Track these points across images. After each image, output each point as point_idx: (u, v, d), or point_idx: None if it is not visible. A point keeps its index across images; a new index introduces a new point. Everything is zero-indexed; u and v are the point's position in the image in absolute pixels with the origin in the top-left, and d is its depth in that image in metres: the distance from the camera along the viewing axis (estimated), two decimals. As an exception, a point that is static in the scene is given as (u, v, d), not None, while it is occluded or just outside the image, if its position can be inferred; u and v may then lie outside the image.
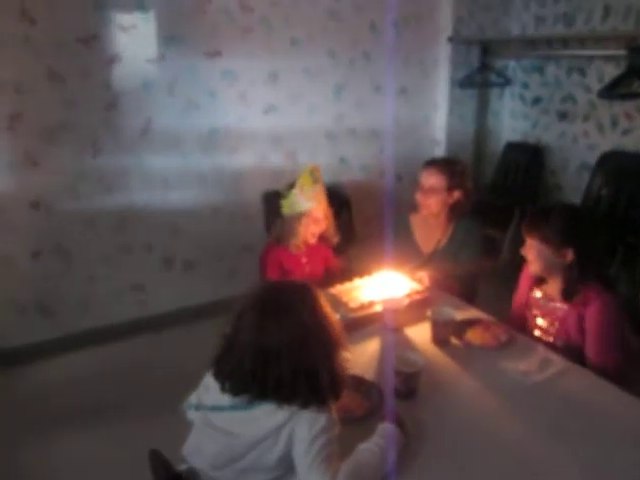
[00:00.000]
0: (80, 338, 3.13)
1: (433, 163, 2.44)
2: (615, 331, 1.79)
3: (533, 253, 1.86)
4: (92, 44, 2.84)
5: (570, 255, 1.79)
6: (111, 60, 2.91)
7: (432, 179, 2.37)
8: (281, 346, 1.20)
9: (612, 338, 1.78)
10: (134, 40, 2.94)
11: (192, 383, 1.39)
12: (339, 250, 2.58)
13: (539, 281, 1.96)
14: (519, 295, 2.09)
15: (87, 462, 2.29)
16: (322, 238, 2.44)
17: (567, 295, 1.84)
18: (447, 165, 2.42)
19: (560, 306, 1.88)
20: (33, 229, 2.94)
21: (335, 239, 2.47)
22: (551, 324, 1.91)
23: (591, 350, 1.79)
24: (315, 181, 2.30)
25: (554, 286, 1.89)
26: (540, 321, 1.95)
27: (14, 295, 2.98)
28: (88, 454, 2.33)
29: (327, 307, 1.31)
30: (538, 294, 1.97)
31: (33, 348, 3.02)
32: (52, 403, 2.66)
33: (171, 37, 3.03)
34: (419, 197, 2.41)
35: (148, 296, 3.35)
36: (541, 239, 1.82)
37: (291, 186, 2.34)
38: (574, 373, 1.67)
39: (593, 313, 1.78)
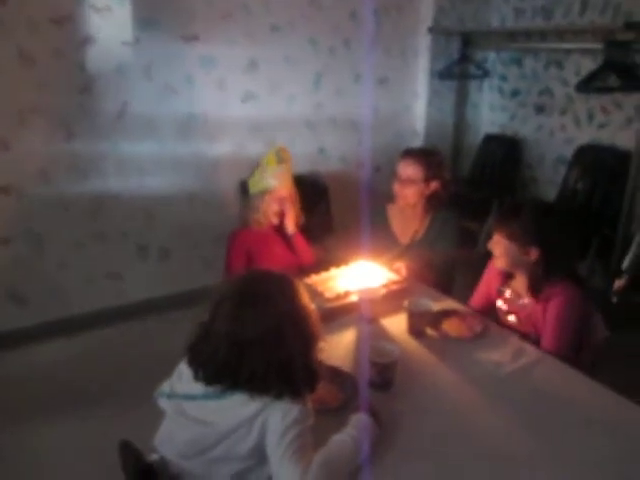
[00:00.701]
0: (54, 326, 3.08)
1: (410, 153, 2.43)
2: (572, 327, 1.79)
3: (499, 249, 1.87)
4: (65, 25, 2.77)
5: (535, 253, 1.79)
6: (84, 42, 2.84)
7: (409, 169, 2.36)
8: (257, 337, 1.18)
9: (566, 334, 1.78)
10: (108, 22, 2.87)
11: (168, 371, 1.37)
12: (316, 240, 2.56)
13: (507, 277, 1.97)
14: (479, 292, 2.11)
15: (62, 450, 2.26)
16: (291, 220, 2.41)
17: (533, 291, 1.85)
18: (424, 156, 2.41)
19: (527, 302, 1.89)
20: (3, 215, 2.87)
21: (300, 220, 2.46)
22: (520, 320, 1.93)
23: (544, 341, 1.80)
24: (280, 161, 2.32)
25: (521, 282, 1.91)
26: (509, 317, 1.97)
27: (-16, 282, 2.91)
28: (63, 442, 2.30)
29: (306, 298, 1.29)
30: (506, 291, 1.98)
31: (6, 336, 2.96)
32: (26, 392, 2.62)
33: (147, 20, 2.96)
34: (396, 187, 2.40)
35: (123, 284, 3.30)
36: (507, 236, 1.82)
37: (258, 166, 2.36)
38: (547, 363, 1.68)
39: (554, 307, 1.79)
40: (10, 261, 2.94)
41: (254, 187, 2.37)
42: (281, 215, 2.39)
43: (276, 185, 2.32)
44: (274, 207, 2.35)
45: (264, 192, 2.33)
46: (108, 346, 3.01)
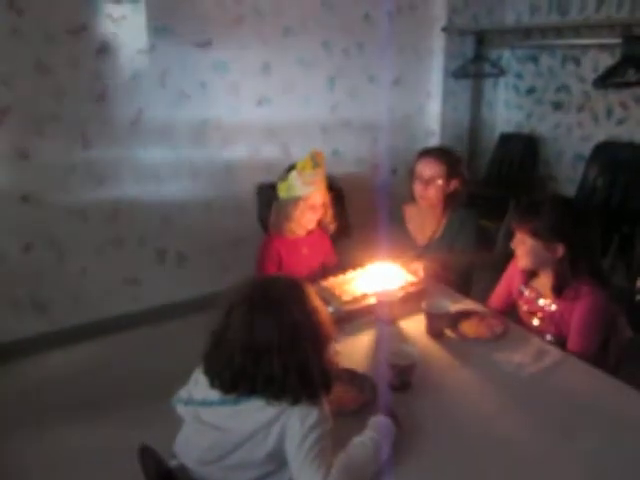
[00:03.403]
0: (74, 332, 3.11)
1: (431, 152, 2.40)
2: (599, 328, 1.77)
3: (523, 247, 1.83)
4: (81, 35, 2.80)
5: (561, 250, 1.76)
6: (100, 51, 2.87)
7: (432, 168, 2.32)
8: (271, 343, 1.18)
9: (594, 335, 1.76)
10: (124, 30, 2.90)
11: (187, 376, 1.37)
12: (332, 243, 2.55)
13: (529, 277, 1.94)
14: (498, 292, 2.08)
15: (81, 456, 2.27)
16: (319, 225, 2.36)
17: (557, 290, 1.81)
18: (445, 154, 2.39)
19: (550, 302, 1.86)
20: (24, 222, 2.91)
21: (332, 226, 2.39)
22: (542, 320, 1.90)
23: (571, 342, 1.78)
24: (316, 165, 2.20)
25: (544, 281, 1.87)
26: (530, 317, 1.94)
27: (6, 289, 2.95)
28: (82, 448, 2.31)
29: (317, 301, 1.28)
30: (527, 290, 1.95)
31: (27, 342, 3.00)
32: (46, 398, 2.64)
33: (161, 27, 2.99)
34: (418, 188, 2.35)
35: (142, 290, 3.32)
36: (531, 233, 1.78)
37: (290, 169, 2.25)
38: (569, 364, 1.66)
39: (581, 309, 1.76)
40: (31, 268, 2.98)
41: (287, 192, 2.23)
42: (316, 222, 2.32)
43: (311, 192, 2.20)
44: (308, 215, 2.26)
45: (298, 199, 2.22)
46: (127, 351, 3.02)
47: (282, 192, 2.25)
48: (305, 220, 2.27)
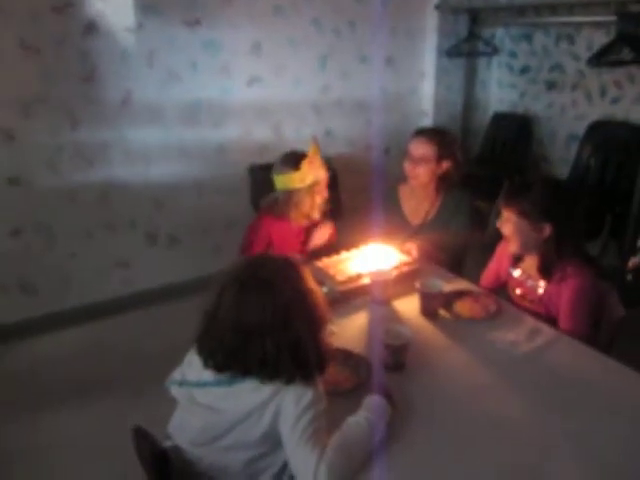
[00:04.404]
0: (64, 316, 3.09)
1: (423, 132, 2.40)
2: (588, 308, 1.77)
3: (510, 227, 1.83)
4: (67, 12, 2.73)
5: (548, 230, 1.76)
6: (87, 29, 2.80)
7: (422, 148, 2.32)
8: (263, 323, 1.17)
9: (583, 315, 1.77)
10: (111, 8, 2.83)
11: (179, 359, 1.36)
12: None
13: (517, 259, 1.94)
14: (489, 271, 2.09)
15: (73, 440, 2.27)
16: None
17: (545, 271, 1.82)
18: (437, 135, 2.38)
19: (539, 283, 1.86)
20: (11, 206, 2.86)
21: (327, 207, 2.37)
22: (532, 301, 1.90)
23: (561, 323, 1.78)
24: (318, 148, 2.23)
25: (532, 263, 1.87)
26: (521, 299, 1.94)
27: (-5, 273, 2.92)
28: (74, 432, 2.31)
29: (310, 281, 1.27)
30: (517, 272, 1.95)
31: (17, 327, 2.98)
32: (37, 382, 2.63)
33: (149, 5, 2.92)
34: (407, 167, 2.36)
35: (132, 273, 3.30)
36: (518, 213, 1.79)
37: (294, 160, 2.21)
38: (562, 343, 1.66)
39: (568, 291, 1.77)
40: (20, 252, 2.94)
41: (302, 181, 2.20)
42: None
43: (324, 174, 2.25)
44: (321, 197, 2.28)
45: (314, 184, 2.22)
46: (119, 335, 3.01)
47: (296, 183, 2.21)
48: (318, 202, 2.28)
